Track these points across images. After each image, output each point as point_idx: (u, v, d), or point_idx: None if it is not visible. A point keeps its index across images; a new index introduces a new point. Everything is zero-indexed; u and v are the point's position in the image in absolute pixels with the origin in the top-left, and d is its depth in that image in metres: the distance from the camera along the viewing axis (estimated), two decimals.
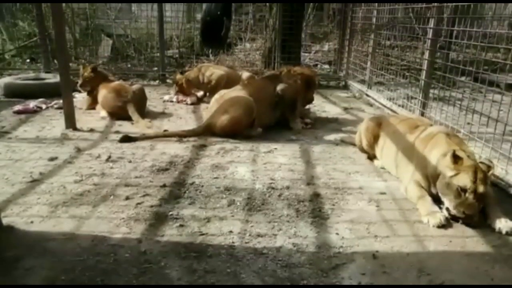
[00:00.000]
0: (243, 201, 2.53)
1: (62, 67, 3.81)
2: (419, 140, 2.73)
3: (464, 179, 2.27)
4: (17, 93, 5.19)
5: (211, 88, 5.34)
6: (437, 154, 2.48)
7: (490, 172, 2.33)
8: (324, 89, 6.41)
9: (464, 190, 2.27)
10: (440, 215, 2.32)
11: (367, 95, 5.61)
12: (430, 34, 4.10)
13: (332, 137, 3.94)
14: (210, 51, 8.27)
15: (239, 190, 2.69)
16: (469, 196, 2.25)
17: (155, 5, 6.85)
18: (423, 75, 4.17)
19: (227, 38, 5.31)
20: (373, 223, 2.31)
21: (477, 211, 2.29)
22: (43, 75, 6.06)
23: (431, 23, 4.05)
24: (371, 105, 5.39)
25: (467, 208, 2.25)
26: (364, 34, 6.14)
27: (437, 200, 2.48)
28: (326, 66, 8.08)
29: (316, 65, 8.23)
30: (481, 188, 2.24)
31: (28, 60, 7.80)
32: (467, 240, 2.18)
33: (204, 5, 4.67)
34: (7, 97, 5.18)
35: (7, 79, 5.49)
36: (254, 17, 11.32)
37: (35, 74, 6.08)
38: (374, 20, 5.60)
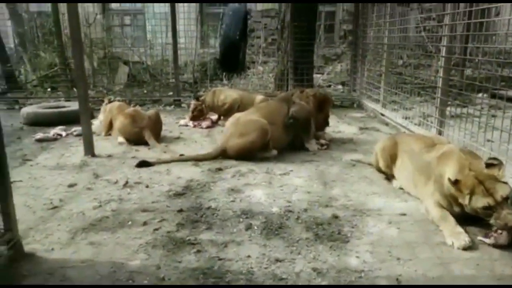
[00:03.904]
0: (260, 225, 2.50)
1: (81, 95, 3.92)
2: (436, 158, 2.68)
3: (480, 201, 2.22)
4: (38, 121, 5.35)
5: (225, 111, 5.41)
6: (448, 173, 2.43)
7: (501, 170, 2.28)
8: (338, 110, 6.40)
9: (489, 208, 2.21)
10: (465, 237, 2.25)
11: (382, 114, 5.58)
12: (443, 52, 4.09)
13: (348, 157, 3.91)
14: (224, 74, 8.44)
15: (256, 214, 2.67)
16: (499, 210, 2.18)
17: (170, 32, 7.05)
18: (439, 92, 4.13)
19: (244, 61, 5.42)
20: (395, 246, 2.25)
21: None
22: (63, 103, 6.25)
23: (444, 41, 4.05)
24: (386, 124, 5.35)
25: (509, 219, 2.17)
26: (377, 54, 6.16)
27: (461, 220, 2.41)
28: (340, 87, 8.11)
29: (330, 86, 8.27)
30: (499, 193, 2.18)
31: (49, 89, 8.06)
32: (496, 263, 2.10)
33: (222, 30, 4.80)
34: (29, 125, 5.34)
35: (29, 108, 5.67)
36: (266, 40, 11.54)
37: (55, 103, 6.27)
38: (385, 40, 5.63)
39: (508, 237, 2.20)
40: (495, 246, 2.22)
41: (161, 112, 5.39)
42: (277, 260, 2.12)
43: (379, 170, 3.32)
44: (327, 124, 4.55)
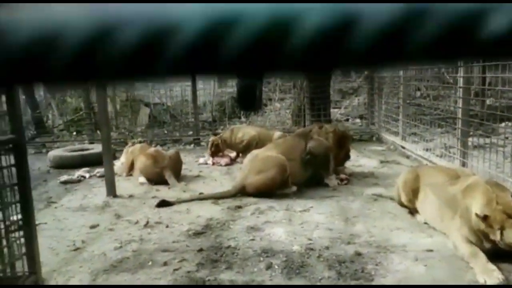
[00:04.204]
0: (281, 264, 2.45)
1: (105, 137, 4.05)
2: (461, 191, 2.61)
3: None
4: (64, 164, 5.52)
5: (244, 148, 5.46)
6: (475, 207, 2.35)
7: None
8: (357, 143, 6.36)
9: None
10: (498, 274, 2.13)
11: (402, 147, 5.51)
12: (460, 82, 4.07)
13: (369, 192, 3.84)
14: (242, 113, 8.60)
15: (277, 252, 2.62)
16: None
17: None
18: (459, 123, 4.07)
19: (261, 99, 5.52)
20: (423, 284, 2.15)
21: None
22: (87, 146, 6.46)
23: (461, 72, 4.04)
24: (407, 157, 5.27)
25: None
26: (393, 87, 6.18)
27: (493, 256, 2.29)
28: (358, 120, 8.11)
29: (347, 119, 8.28)
30: None
31: (74, 133, 8.37)
32: None
33: None
34: (55, 168, 5.52)
35: (55, 152, 5.88)
36: (282, 77, 11.78)
37: (80, 145, 6.49)
38: (401, 72, 5.66)
39: None
40: None
41: (181, 151, 5.49)
42: None
43: (402, 204, 3.24)
44: (348, 158, 4.52)
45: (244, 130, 5.70)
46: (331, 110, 7.71)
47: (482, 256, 2.29)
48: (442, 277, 2.23)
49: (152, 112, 9.66)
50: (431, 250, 2.55)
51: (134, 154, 4.86)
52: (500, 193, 2.38)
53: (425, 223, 2.97)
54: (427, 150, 4.83)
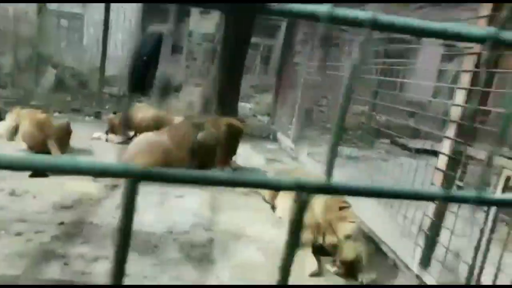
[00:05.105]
0: (138, 244, 2.63)
1: None
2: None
3: (328, 239, 2.63)
4: None
5: (141, 130, 5.47)
6: (316, 210, 2.79)
7: (350, 211, 2.70)
8: (256, 140, 6.75)
9: (334, 245, 2.61)
10: (315, 265, 2.59)
11: (291, 148, 6.01)
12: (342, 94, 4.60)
13: None
14: (151, 92, 8.50)
15: (137, 233, 2.78)
16: (341, 246, 2.60)
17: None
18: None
19: (152, 84, 5.54)
20: (256, 269, 2.51)
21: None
22: None
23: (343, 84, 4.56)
24: (293, 158, 5.78)
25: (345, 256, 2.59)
26: (292, 89, 6.65)
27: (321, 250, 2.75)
28: (264, 118, 8.55)
29: (255, 116, 8.68)
30: (342, 233, 2.61)
31: None
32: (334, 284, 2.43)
33: (132, 47, 4.91)
34: None
35: None
36: (204, 63, 11.83)
37: None
38: (302, 79, 6.14)
39: (345, 268, 2.56)
40: (337, 274, 2.58)
41: (79, 122, 5.32)
42: (144, 277, 2.27)
43: (265, 200, 3.62)
44: (234, 152, 4.83)
45: (145, 111, 5.72)
46: (242, 104, 8.02)
47: (309, 250, 2.73)
48: (274, 264, 2.61)
49: (58, 75, 9.05)
50: (274, 242, 2.93)
51: (21, 118, 4.61)
52: (337, 203, 2.85)
53: (280, 217, 3.38)
54: (308, 154, 5.37)
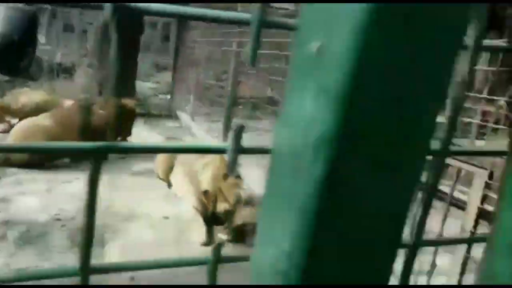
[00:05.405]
0: (18, 235, 2.51)
1: None
2: (202, 167, 3.13)
3: (220, 206, 2.81)
4: None
5: (25, 116, 5.02)
6: (204, 182, 2.94)
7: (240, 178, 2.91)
8: (157, 119, 6.64)
9: (227, 212, 2.79)
10: (205, 235, 2.75)
11: (190, 126, 6.07)
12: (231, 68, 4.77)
13: (141, 167, 4.16)
14: (41, 75, 7.73)
15: (18, 224, 2.65)
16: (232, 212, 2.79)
17: None
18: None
19: (30, 65, 5.08)
20: (146, 247, 2.58)
21: None
22: None
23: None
24: (193, 135, 5.85)
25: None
26: (189, 67, 6.65)
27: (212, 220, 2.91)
28: (165, 97, 8.38)
29: (156, 95, 8.47)
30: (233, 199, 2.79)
31: None
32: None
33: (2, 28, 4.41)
34: None
35: None
36: (100, 44, 11.03)
37: None
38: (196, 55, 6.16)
39: (235, 235, 2.77)
40: (229, 241, 2.78)
41: None
42: (27, 268, 2.19)
43: (160, 178, 3.67)
44: (129, 133, 4.74)
45: (30, 96, 5.25)
46: (142, 83, 7.75)
47: (201, 221, 2.88)
48: (165, 239, 2.72)
49: None
50: (167, 217, 3.03)
51: None
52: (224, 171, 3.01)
53: (176, 194, 3.47)
54: (207, 131, 5.49)
